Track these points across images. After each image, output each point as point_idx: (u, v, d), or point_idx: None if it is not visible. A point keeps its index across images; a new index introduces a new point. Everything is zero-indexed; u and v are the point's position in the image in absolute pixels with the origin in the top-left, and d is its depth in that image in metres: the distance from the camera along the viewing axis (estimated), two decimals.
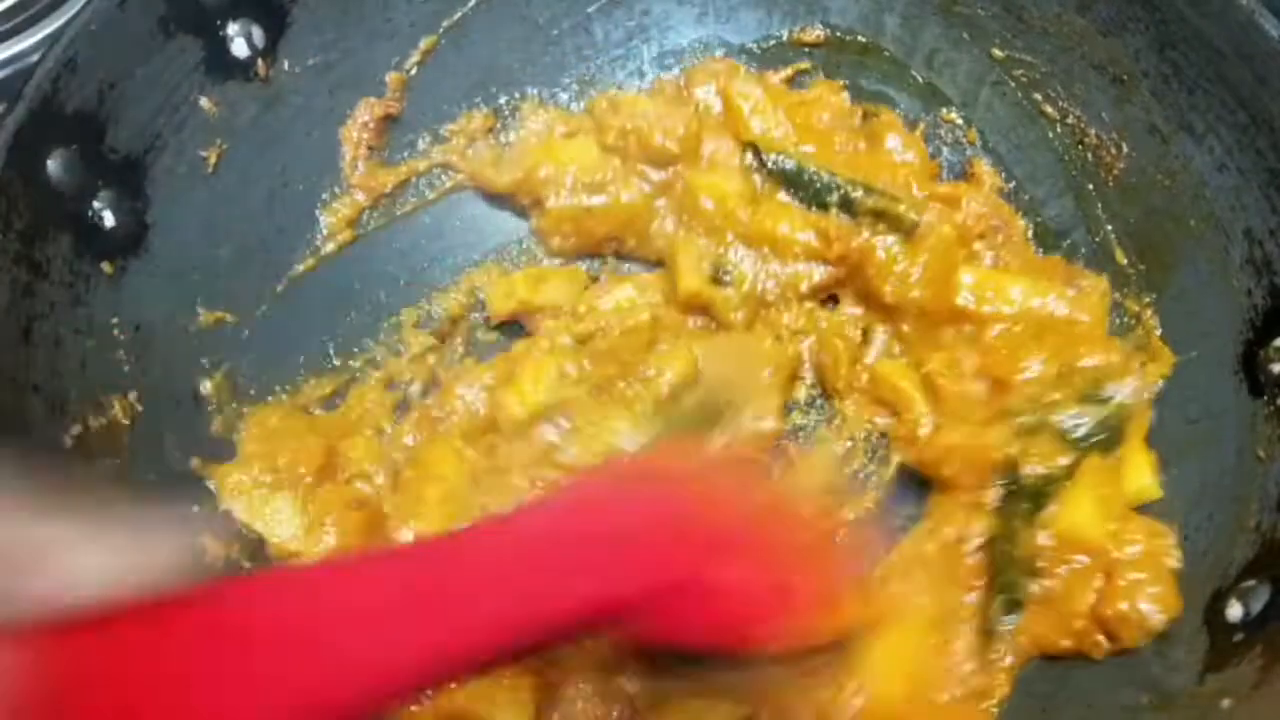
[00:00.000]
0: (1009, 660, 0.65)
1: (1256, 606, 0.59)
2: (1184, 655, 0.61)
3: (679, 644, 0.47)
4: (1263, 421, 0.64)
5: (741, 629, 0.47)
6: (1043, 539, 0.65)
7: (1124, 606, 0.62)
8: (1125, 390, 0.67)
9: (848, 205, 0.74)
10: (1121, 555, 0.64)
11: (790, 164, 0.76)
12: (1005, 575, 0.65)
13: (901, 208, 0.73)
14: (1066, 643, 0.64)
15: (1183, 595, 0.63)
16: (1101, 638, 0.63)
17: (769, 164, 0.77)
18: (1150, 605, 0.62)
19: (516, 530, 0.45)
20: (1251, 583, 0.60)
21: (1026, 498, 0.66)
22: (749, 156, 0.78)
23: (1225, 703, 0.56)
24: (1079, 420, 0.67)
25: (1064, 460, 0.66)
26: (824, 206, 0.75)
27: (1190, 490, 0.66)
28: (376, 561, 0.44)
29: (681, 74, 0.83)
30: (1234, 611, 0.59)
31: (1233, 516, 0.64)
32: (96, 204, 0.66)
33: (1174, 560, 0.64)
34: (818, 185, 0.75)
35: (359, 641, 0.37)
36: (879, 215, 0.74)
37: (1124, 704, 0.62)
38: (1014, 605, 0.65)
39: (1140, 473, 0.67)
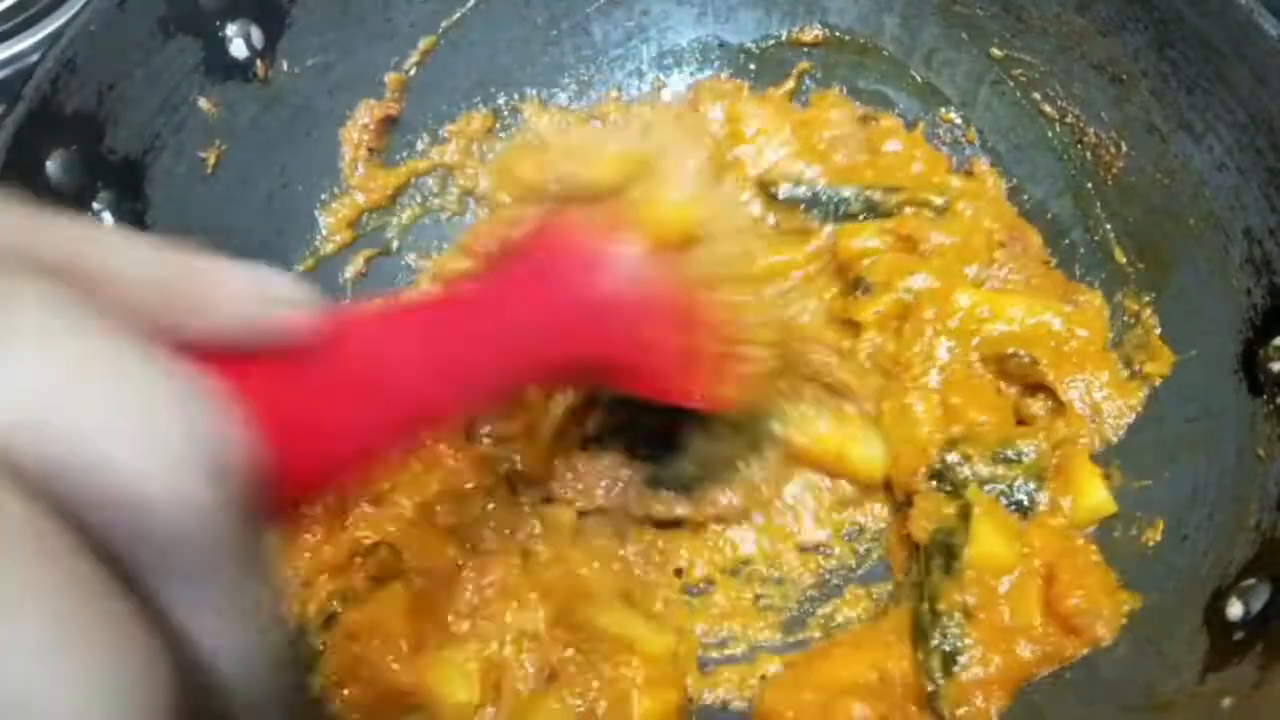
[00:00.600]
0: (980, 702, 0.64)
1: (1257, 605, 0.59)
2: (1184, 655, 0.60)
3: (621, 388, 0.61)
4: (1262, 420, 0.64)
5: (662, 381, 0.59)
6: (970, 577, 0.65)
7: (1075, 602, 0.63)
8: (1032, 451, 0.69)
9: (874, 209, 0.76)
10: (1049, 558, 0.65)
11: (803, 190, 0.78)
12: (931, 634, 0.64)
13: (926, 194, 0.76)
14: (1029, 654, 0.63)
15: (1184, 594, 0.63)
16: (1066, 640, 0.64)
17: (780, 196, 0.78)
18: (1097, 595, 0.63)
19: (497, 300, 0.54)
20: (1252, 581, 0.60)
21: (937, 554, 0.66)
22: (756, 198, 0.79)
23: (1226, 702, 0.56)
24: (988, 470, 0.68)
25: (949, 509, 0.67)
26: (851, 217, 0.77)
27: (1189, 489, 0.66)
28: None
29: (689, 92, 0.83)
30: (1234, 610, 0.59)
31: (1233, 516, 0.63)
32: (96, 205, 0.66)
33: (1094, 555, 0.66)
34: (837, 200, 0.77)
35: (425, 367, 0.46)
36: (910, 206, 0.76)
37: (1124, 704, 0.61)
38: (950, 658, 0.64)
39: (1093, 491, 0.68)
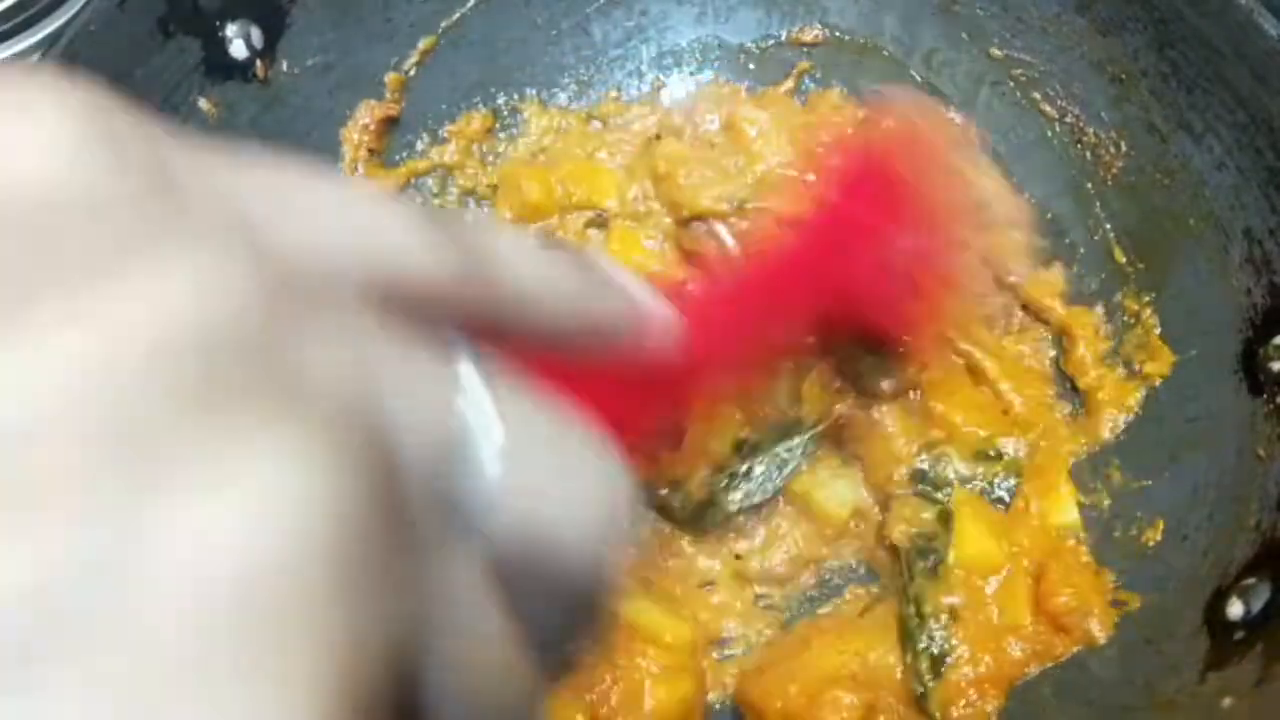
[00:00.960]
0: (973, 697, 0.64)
1: (1257, 605, 0.59)
2: (1184, 655, 0.61)
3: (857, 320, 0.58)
4: (1262, 420, 0.64)
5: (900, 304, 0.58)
6: (958, 577, 0.65)
7: (1063, 600, 0.63)
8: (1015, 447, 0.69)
9: None
10: (1039, 557, 0.65)
11: None
12: (918, 636, 0.64)
13: None
14: (1019, 653, 0.64)
15: (1184, 594, 0.63)
16: (1057, 639, 0.64)
17: None
18: (1087, 594, 0.64)
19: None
20: (1252, 581, 0.60)
21: (919, 558, 0.66)
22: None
23: (1226, 701, 0.56)
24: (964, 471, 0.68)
25: (927, 514, 0.67)
26: None
27: (1189, 489, 0.66)
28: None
29: (689, 100, 0.83)
30: (1234, 610, 0.59)
31: (1233, 516, 0.63)
32: None
33: (1084, 555, 0.66)
34: None
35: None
36: None
37: (1124, 704, 0.61)
38: (939, 660, 0.64)
39: (1064, 508, 0.68)
